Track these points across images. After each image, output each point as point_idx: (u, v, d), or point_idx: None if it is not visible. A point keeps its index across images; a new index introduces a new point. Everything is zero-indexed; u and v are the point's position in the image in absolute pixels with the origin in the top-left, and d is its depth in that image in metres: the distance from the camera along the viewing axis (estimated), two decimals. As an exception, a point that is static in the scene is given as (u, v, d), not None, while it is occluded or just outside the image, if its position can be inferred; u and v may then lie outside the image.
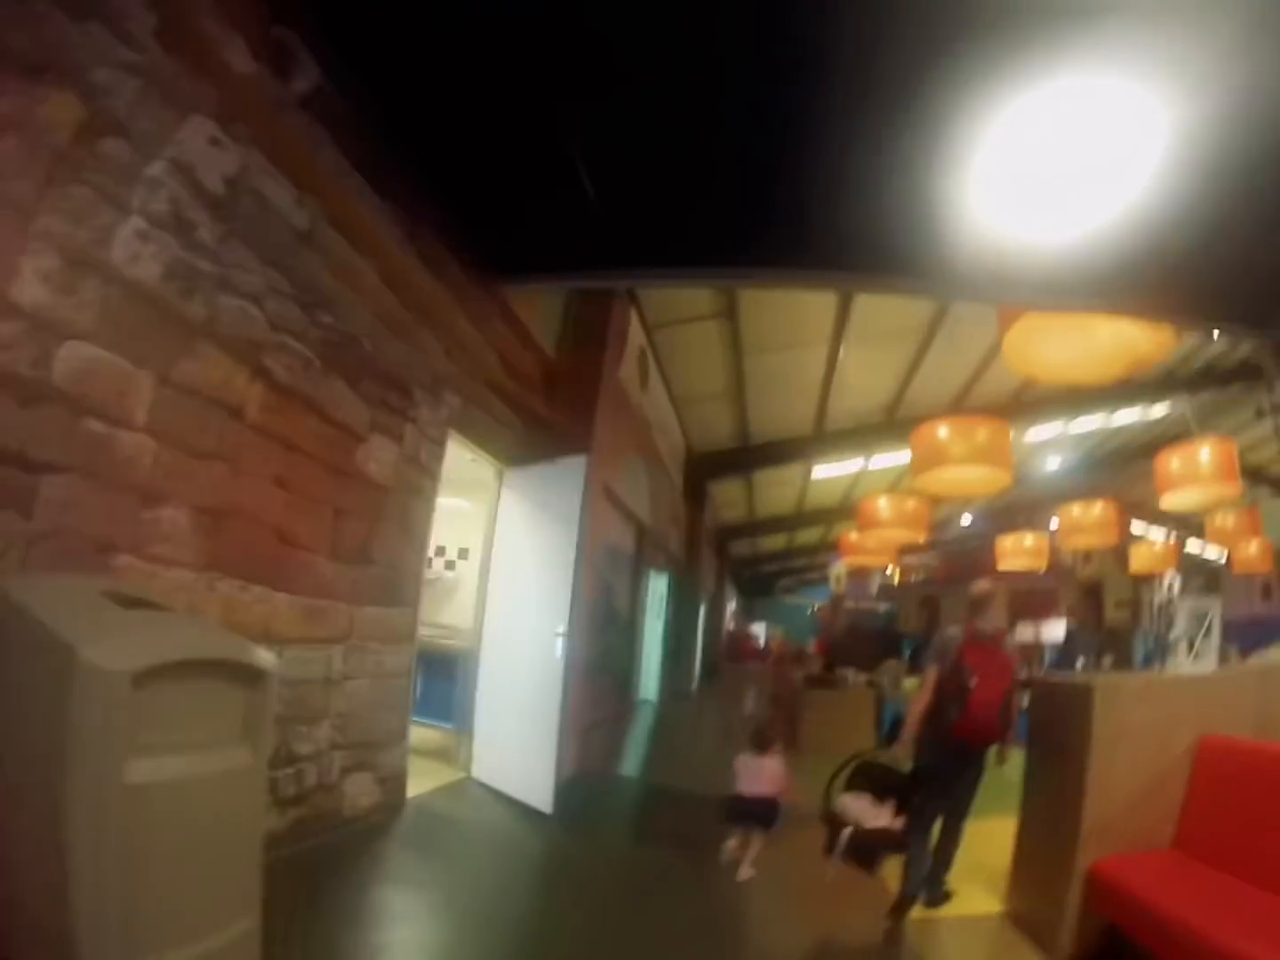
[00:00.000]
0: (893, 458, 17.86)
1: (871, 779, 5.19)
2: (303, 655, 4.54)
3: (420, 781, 6.37)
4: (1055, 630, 30.62)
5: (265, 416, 4.11)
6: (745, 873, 5.48)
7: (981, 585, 5.63)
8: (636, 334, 10.80)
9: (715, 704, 19.36)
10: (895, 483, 19.11)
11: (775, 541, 29.51)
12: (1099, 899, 4.15)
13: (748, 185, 5.09)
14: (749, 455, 16.82)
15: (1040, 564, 19.12)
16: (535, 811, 6.42)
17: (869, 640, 27.69)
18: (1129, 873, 4.06)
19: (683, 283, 6.64)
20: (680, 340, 11.79)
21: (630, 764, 10.04)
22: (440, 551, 9.42)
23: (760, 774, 5.78)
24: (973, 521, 27.16)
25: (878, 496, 14.57)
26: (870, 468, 18.86)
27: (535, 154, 5.01)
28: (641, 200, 5.39)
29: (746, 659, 31.15)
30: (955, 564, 32.88)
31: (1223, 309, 6.29)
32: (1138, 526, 24.58)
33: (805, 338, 11.81)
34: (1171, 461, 11.71)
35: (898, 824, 4.93)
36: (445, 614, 8.75)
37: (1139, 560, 21.60)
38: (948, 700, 5.09)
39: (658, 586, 15.46)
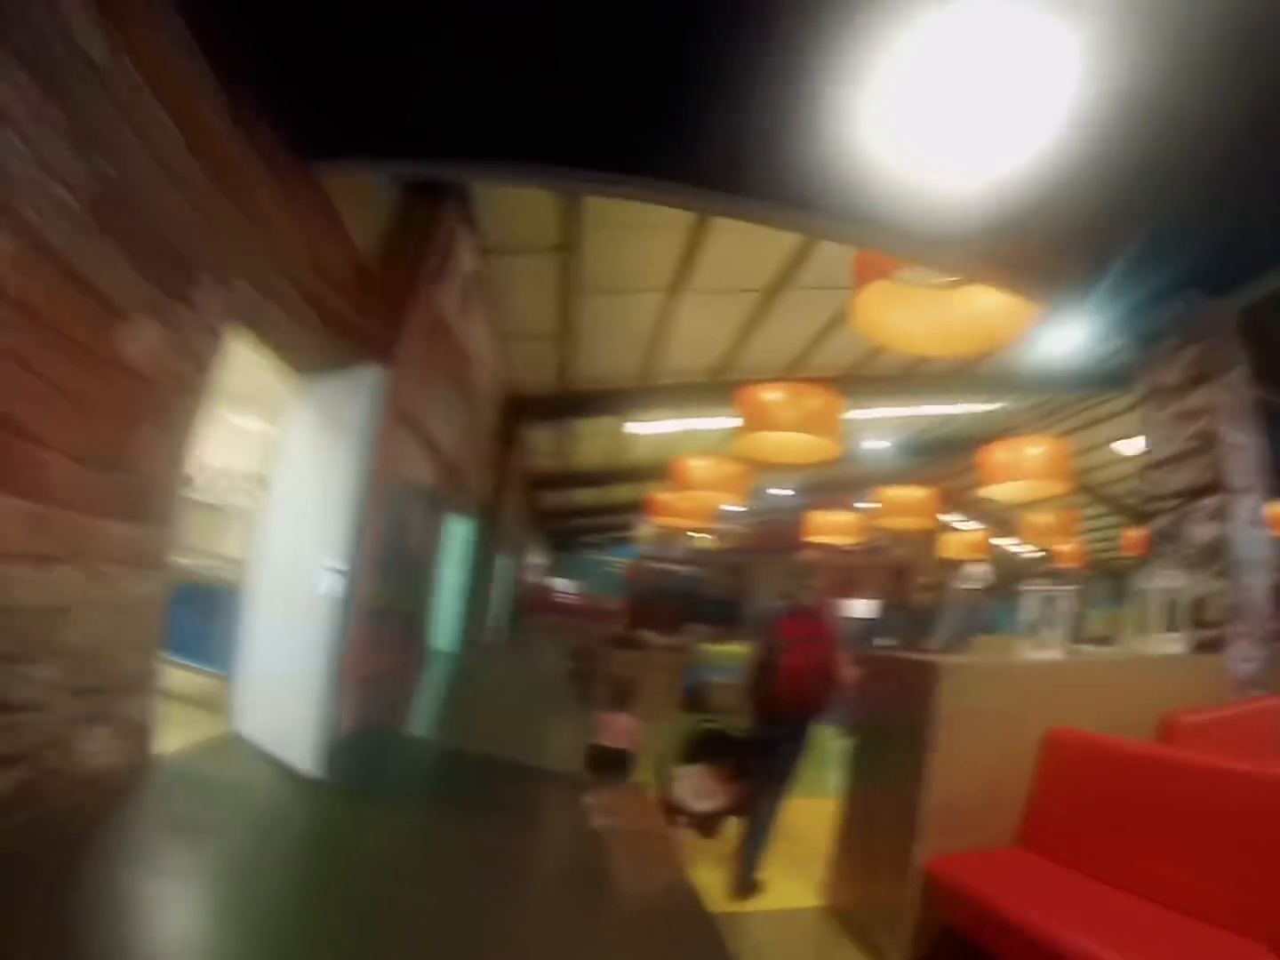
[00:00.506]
0: (714, 421, 17.80)
1: (708, 747, 5.51)
2: (20, 575, 3.74)
3: (175, 736, 5.51)
4: (861, 608, 31.95)
5: (6, 272, 3.32)
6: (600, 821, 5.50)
7: (806, 555, 6.88)
8: (467, 257, 10.13)
9: (517, 658, 19.17)
10: (716, 447, 19.10)
11: (587, 496, 29.18)
12: (937, 898, 3.98)
13: (602, 80, 4.67)
14: (570, 402, 16.45)
15: (852, 540, 19.48)
16: (305, 774, 5.63)
17: (674, 604, 28.11)
18: (970, 871, 3.90)
19: (520, 180, 6.07)
20: (514, 270, 11.22)
21: (420, 721, 9.53)
22: (227, 474, 8.77)
23: (617, 728, 6.41)
24: (787, 493, 27.50)
25: (695, 458, 14.44)
26: (691, 429, 18.72)
27: (369, 23, 4.45)
28: (480, 85, 4.83)
29: (551, 613, 30.99)
30: (766, 534, 33.60)
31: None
32: (951, 517, 25.55)
33: (644, 283, 11.49)
34: (1001, 453, 11.98)
35: (731, 799, 5.26)
36: (227, 544, 8.08)
37: (950, 547, 22.39)
38: (764, 670, 5.31)
39: (460, 531, 14.79)
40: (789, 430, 9.73)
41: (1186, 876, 3.55)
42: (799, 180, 5.25)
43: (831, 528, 19.58)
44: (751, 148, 5.04)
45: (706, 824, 5.31)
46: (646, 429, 18.92)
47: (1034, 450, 12.05)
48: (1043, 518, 19.31)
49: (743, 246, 10.43)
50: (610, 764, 6.20)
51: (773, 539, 32.68)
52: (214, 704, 6.62)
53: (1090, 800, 4.11)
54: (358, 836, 4.91)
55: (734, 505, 15.08)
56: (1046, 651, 5.07)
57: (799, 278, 11.28)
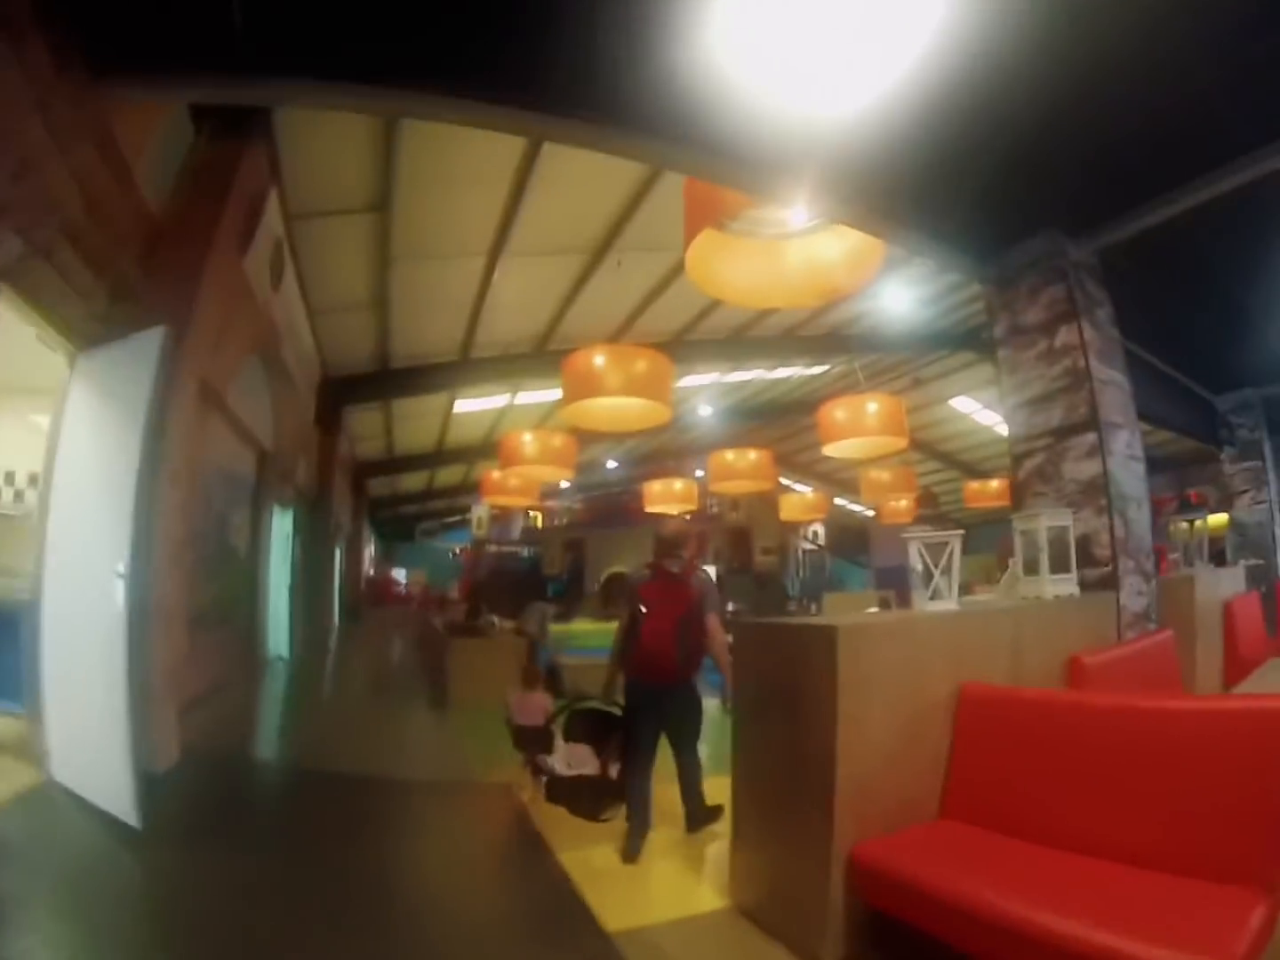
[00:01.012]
0: (541, 394, 17.51)
1: (586, 727, 5.62)
2: None
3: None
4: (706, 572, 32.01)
5: None
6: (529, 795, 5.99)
7: (672, 524, 5.94)
8: (274, 221, 9.36)
9: (359, 655, 18.15)
10: (543, 420, 18.65)
11: (417, 480, 28.35)
12: (864, 885, 3.55)
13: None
14: (390, 380, 15.70)
15: (689, 508, 19.26)
16: (122, 824, 4.69)
17: (513, 584, 27.57)
18: (895, 851, 3.53)
19: (333, 102, 5.28)
20: (324, 236, 10.42)
21: (257, 741, 8.59)
22: (10, 479, 8.08)
23: (532, 706, 6.46)
24: (618, 465, 27.20)
25: (523, 432, 13.97)
26: (517, 403, 18.37)
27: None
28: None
29: (392, 604, 29.99)
30: (600, 507, 33.40)
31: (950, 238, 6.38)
32: (788, 479, 25.85)
33: (462, 246, 10.92)
34: (840, 411, 11.92)
35: (599, 767, 5.36)
36: (13, 555, 7.01)
37: (789, 509, 22.50)
38: (627, 636, 5.36)
39: (283, 524, 13.76)
40: (617, 395, 9.30)
41: (1116, 823, 3.35)
42: (644, 104, 4.76)
43: (668, 496, 19.25)
44: (594, 68, 4.51)
45: (578, 797, 5.42)
46: (473, 406, 18.42)
47: (871, 407, 11.98)
48: (881, 474, 19.49)
49: (566, 204, 9.98)
50: (530, 740, 6.21)
51: (607, 512, 32.59)
52: (20, 748, 5.60)
53: (1009, 757, 3.83)
54: (177, 896, 4.07)
55: (564, 478, 14.58)
56: (942, 604, 4.71)
57: (624, 238, 10.89)
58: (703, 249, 6.50)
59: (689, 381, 18.21)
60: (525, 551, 34.73)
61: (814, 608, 21.98)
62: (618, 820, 5.30)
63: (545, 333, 14.31)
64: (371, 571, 34.19)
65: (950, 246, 6.49)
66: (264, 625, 12.08)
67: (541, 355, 14.77)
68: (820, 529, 32.44)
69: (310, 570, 15.53)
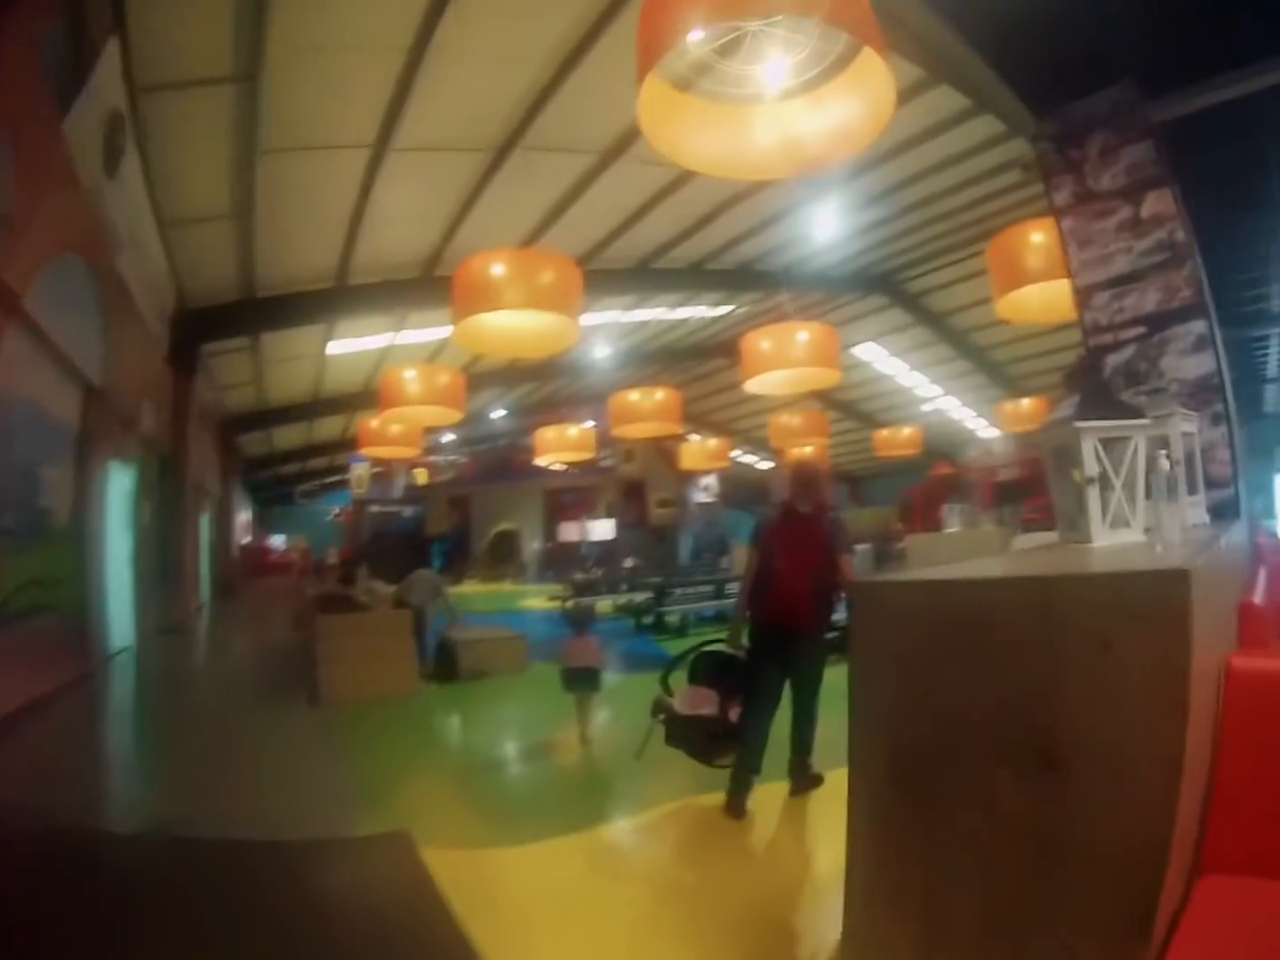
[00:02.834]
0: (428, 332, 15.53)
1: (711, 670, 5.40)
2: None
3: None
4: (600, 529, 30.57)
5: None
6: (587, 737, 6.76)
7: (804, 465, 5.81)
8: (111, 85, 7.34)
9: (227, 640, 15.49)
10: (431, 359, 16.48)
11: (293, 436, 25.41)
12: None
13: None
14: (257, 312, 13.30)
15: (585, 456, 17.39)
16: None
17: (397, 546, 25.70)
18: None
19: None
20: (179, 117, 8.32)
21: (81, 787, 5.78)
22: None
23: (583, 649, 6.92)
24: (506, 414, 25.06)
25: (403, 368, 11.86)
26: (400, 342, 16.20)
27: None
28: None
29: (268, 576, 27.47)
30: (486, 461, 31.51)
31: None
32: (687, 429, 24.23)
33: (343, 135, 8.99)
34: (766, 340, 10.21)
35: (722, 712, 5.16)
36: None
37: (689, 458, 20.80)
38: (761, 582, 5.14)
39: (123, 482, 11.16)
40: (520, 308, 7.43)
41: None
42: None
43: (562, 444, 17.32)
44: None
45: (695, 738, 5.29)
46: (350, 347, 16.14)
47: (802, 336, 10.30)
48: (791, 419, 17.93)
49: (468, 86, 8.28)
50: (580, 681, 6.82)
51: (494, 466, 30.82)
52: None
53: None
54: None
55: (452, 421, 12.46)
56: (1125, 534, 3.00)
57: (534, 133, 9.21)
58: (660, 107, 4.78)
59: (586, 320, 16.39)
60: (408, 511, 32.75)
61: (723, 562, 20.78)
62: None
63: (434, 254, 12.30)
64: (247, 540, 30.87)
65: (1004, 91, 5.17)
66: (99, 611, 9.59)
67: (430, 282, 12.70)
68: (715, 481, 31.22)
69: (163, 540, 13.03)
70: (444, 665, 9.63)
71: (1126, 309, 4.70)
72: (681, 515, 29.93)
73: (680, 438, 21.38)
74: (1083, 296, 4.86)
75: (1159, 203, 4.63)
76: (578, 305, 7.95)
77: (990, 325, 19.65)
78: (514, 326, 7.96)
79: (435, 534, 30.87)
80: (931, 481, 26.12)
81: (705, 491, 31.39)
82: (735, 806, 4.90)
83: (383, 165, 9.36)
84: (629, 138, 9.43)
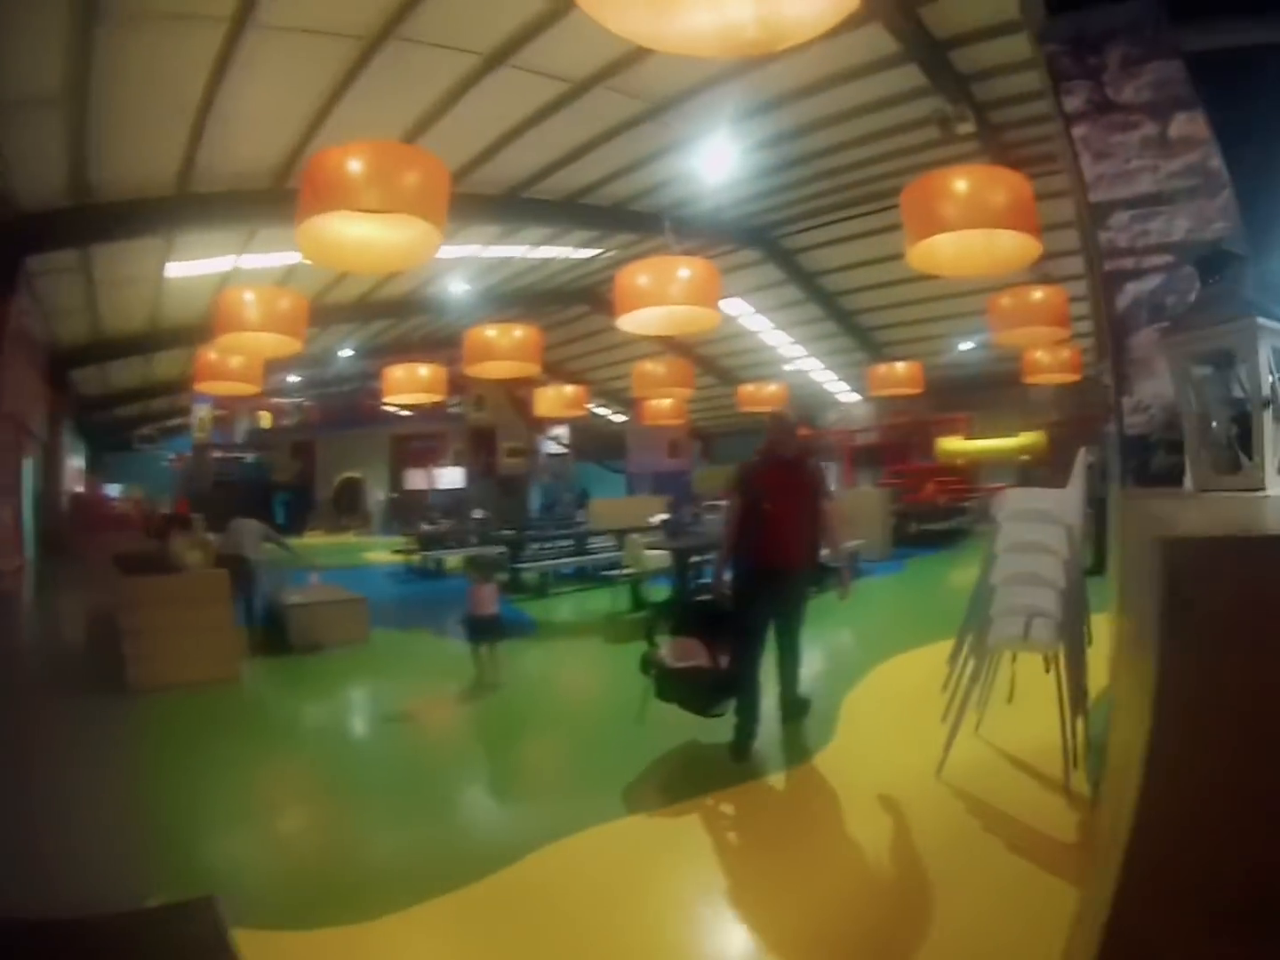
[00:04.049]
0: (277, 256, 13.97)
1: (696, 621, 5.37)
2: None
3: None
4: (448, 478, 29.39)
5: None
6: (496, 680, 6.93)
7: (783, 412, 6.11)
8: None
9: (58, 603, 13.59)
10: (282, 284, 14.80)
11: (131, 373, 22.69)
12: None
13: None
14: (88, 220, 11.35)
15: (435, 398, 16.10)
16: None
17: (239, 495, 24.00)
18: None
19: None
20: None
21: None
22: None
23: (485, 597, 7.01)
24: (354, 355, 23.43)
25: (242, 289, 10.35)
26: (245, 266, 14.45)
27: None
28: None
29: (103, 531, 24.97)
30: (332, 406, 29.82)
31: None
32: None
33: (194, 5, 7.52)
34: (644, 275, 9.24)
35: (709, 660, 5.13)
36: None
37: (544, 405, 19.72)
38: (748, 525, 5.23)
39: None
40: (378, 209, 6.28)
41: None
42: None
43: (409, 384, 15.93)
44: None
45: (689, 691, 5.21)
46: (191, 269, 14.31)
47: (683, 272, 9.31)
48: (656, 367, 17.04)
49: None
50: (485, 629, 6.89)
51: (341, 410, 29.23)
52: None
53: None
54: None
55: (288, 351, 10.74)
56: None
57: (415, 22, 8.06)
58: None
59: (444, 252, 15.19)
60: (251, 457, 30.78)
61: (580, 514, 20.04)
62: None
63: (288, 161, 10.72)
64: (80, 489, 27.22)
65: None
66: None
67: (281, 195, 10.85)
68: (566, 432, 30.42)
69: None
70: (274, 634, 8.34)
71: (1152, 233, 4.12)
72: (532, 466, 29.05)
73: (535, 383, 20.38)
74: (1096, 214, 4.22)
75: (1190, 125, 4.11)
76: (443, 212, 6.79)
77: (862, 289, 19.65)
78: (369, 237, 6.80)
79: (280, 482, 29.18)
80: (786, 442, 25.93)
81: (556, 442, 30.59)
82: (742, 751, 5.01)
83: (240, 44, 7.94)
84: (520, 38, 8.43)
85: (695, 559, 10.29)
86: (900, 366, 17.41)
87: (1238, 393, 2.37)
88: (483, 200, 12.80)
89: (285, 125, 9.94)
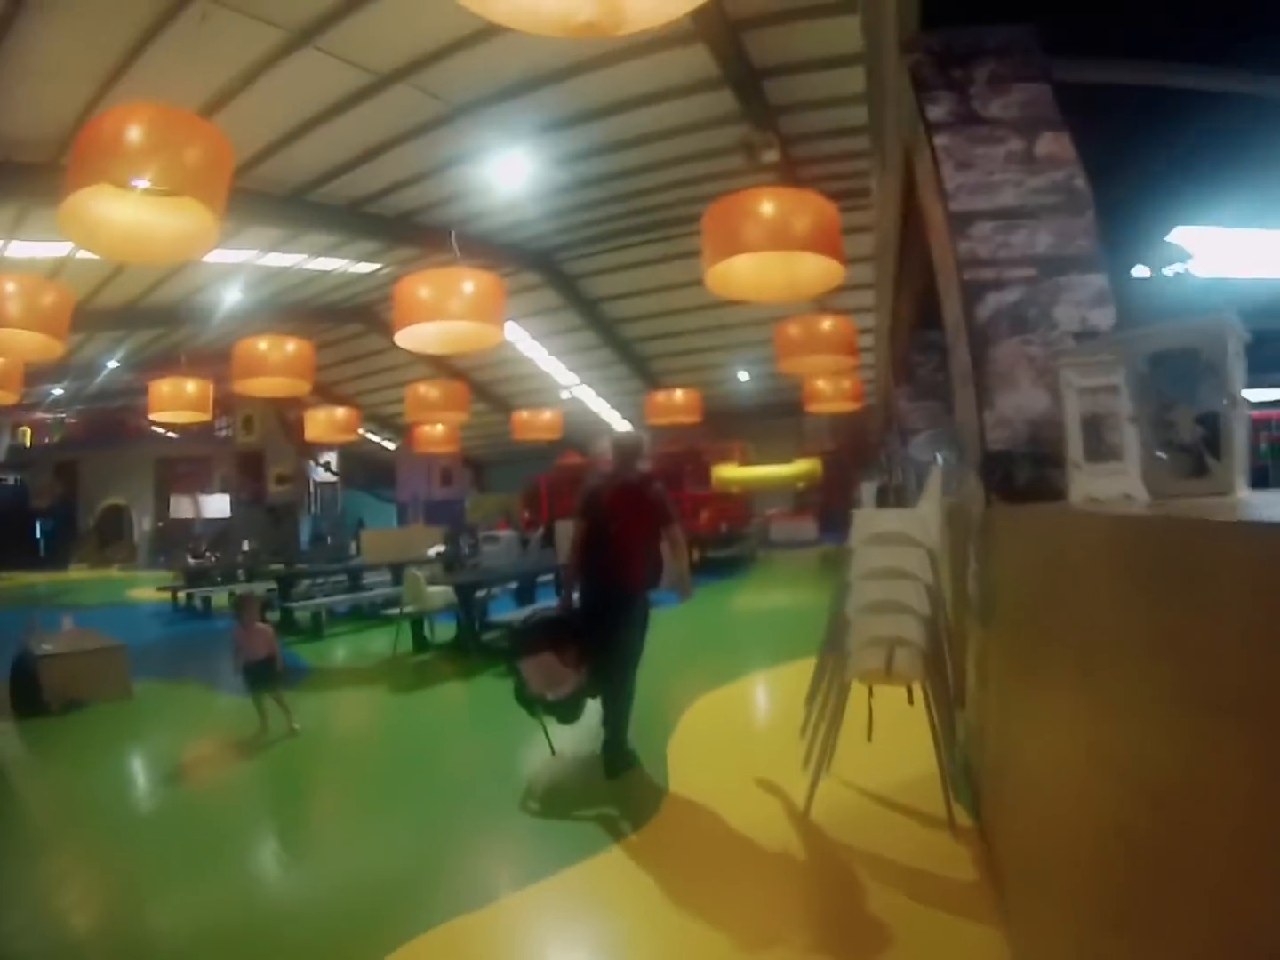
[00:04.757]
0: (50, 245, 12.40)
1: (547, 635, 5.38)
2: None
3: None
4: (216, 505, 27.26)
5: None
6: (289, 730, 6.08)
7: (629, 436, 5.81)
8: None
9: None
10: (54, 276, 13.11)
11: None
12: None
13: None
14: None
15: (201, 417, 14.81)
16: None
17: None
18: None
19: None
20: None
21: None
22: None
23: (256, 639, 6.19)
24: (120, 366, 21.31)
25: (2, 279, 8.96)
26: (9, 254, 12.72)
27: None
28: None
29: None
30: (97, 422, 27.26)
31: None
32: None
33: None
34: (424, 287, 8.66)
35: (581, 681, 5.21)
36: None
37: (314, 428, 18.60)
38: (593, 547, 5.29)
39: None
40: (159, 185, 5.48)
41: None
42: None
43: (175, 400, 14.54)
44: None
45: (566, 709, 5.26)
46: None
47: (468, 286, 8.80)
48: (429, 390, 16.31)
49: None
50: (261, 675, 6.12)
51: (107, 426, 26.70)
52: None
53: None
54: None
55: (49, 354, 9.05)
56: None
57: None
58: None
59: (218, 257, 14.15)
60: (11, 479, 27.64)
61: (352, 547, 18.91)
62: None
63: (72, 130, 8.93)
64: None
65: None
66: None
67: (59, 171, 9.39)
68: (335, 458, 29.00)
69: None
70: (25, 691, 6.91)
71: (1014, 245, 4.10)
72: (301, 494, 27.50)
73: (305, 405, 19.23)
74: (958, 224, 4.13)
75: (1056, 144, 4.17)
76: (224, 197, 5.98)
77: (640, 317, 19.64)
78: (142, 218, 5.90)
79: (40, 507, 26.35)
80: (559, 471, 25.68)
81: (326, 469, 29.14)
82: (622, 766, 5.05)
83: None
84: (330, 16, 7.81)
85: (481, 594, 9.54)
86: (679, 394, 17.49)
87: (1204, 393, 2.20)
88: (265, 200, 11.82)
89: (76, 85, 8.69)
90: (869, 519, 4.46)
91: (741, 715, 6.16)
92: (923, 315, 8.97)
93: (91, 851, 4.35)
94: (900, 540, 4.11)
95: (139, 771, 5.97)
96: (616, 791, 4.75)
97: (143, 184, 5.38)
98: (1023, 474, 3.71)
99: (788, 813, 4.12)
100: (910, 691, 4.20)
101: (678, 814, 4.35)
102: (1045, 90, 4.29)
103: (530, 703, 5.29)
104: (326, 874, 3.84)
